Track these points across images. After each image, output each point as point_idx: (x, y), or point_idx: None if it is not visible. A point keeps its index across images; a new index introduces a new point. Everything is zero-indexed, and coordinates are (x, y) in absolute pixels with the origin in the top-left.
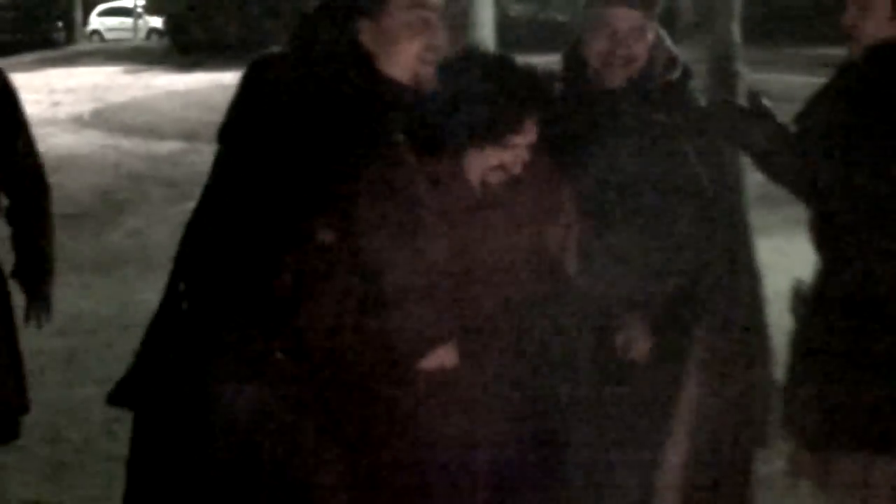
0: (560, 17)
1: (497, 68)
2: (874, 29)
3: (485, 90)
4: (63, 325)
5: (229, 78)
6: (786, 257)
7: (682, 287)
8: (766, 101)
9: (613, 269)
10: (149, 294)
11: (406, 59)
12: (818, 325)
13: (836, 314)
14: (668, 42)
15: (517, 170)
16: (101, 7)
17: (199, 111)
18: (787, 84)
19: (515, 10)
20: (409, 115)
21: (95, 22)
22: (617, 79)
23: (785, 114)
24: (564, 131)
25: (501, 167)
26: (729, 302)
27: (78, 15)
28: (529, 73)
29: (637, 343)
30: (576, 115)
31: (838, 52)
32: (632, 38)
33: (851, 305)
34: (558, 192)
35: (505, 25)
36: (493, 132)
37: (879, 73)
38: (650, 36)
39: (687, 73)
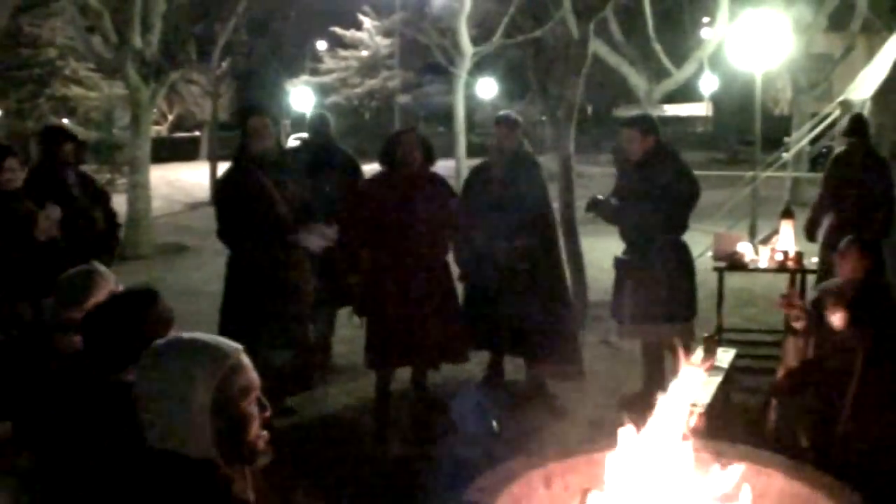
0: None
1: None
2: (638, 149)
3: None
4: None
5: None
6: (595, 246)
7: (531, 244)
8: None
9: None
10: None
11: None
12: (623, 271)
13: (632, 266)
14: (526, 143)
15: None
16: (292, 136)
17: None
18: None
19: None
20: None
21: (291, 142)
22: (503, 157)
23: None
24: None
25: None
26: (557, 260)
27: (283, 139)
28: None
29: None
30: (488, 170)
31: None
32: (508, 140)
33: (637, 260)
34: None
35: None
36: None
37: (645, 166)
38: (518, 138)
39: (529, 158)
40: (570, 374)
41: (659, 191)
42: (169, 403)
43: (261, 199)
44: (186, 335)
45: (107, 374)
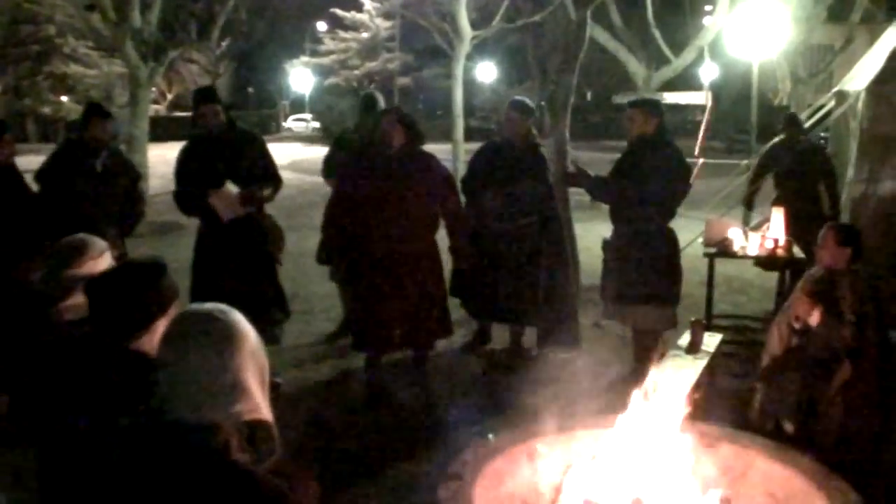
0: None
1: None
2: (637, 130)
3: None
4: None
5: None
6: (588, 232)
7: (533, 222)
8: (580, 165)
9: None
10: None
11: None
12: (610, 254)
13: (619, 249)
14: (535, 131)
15: None
16: (291, 117)
17: None
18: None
19: None
20: None
21: (290, 123)
22: (517, 142)
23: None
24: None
25: None
26: (558, 237)
27: (281, 120)
28: None
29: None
30: (499, 154)
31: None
32: (518, 126)
33: (625, 244)
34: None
35: None
36: None
37: (639, 148)
38: (526, 126)
39: (537, 145)
40: (565, 341)
41: (645, 171)
42: (195, 373)
43: (199, 170)
44: (211, 306)
45: (113, 341)
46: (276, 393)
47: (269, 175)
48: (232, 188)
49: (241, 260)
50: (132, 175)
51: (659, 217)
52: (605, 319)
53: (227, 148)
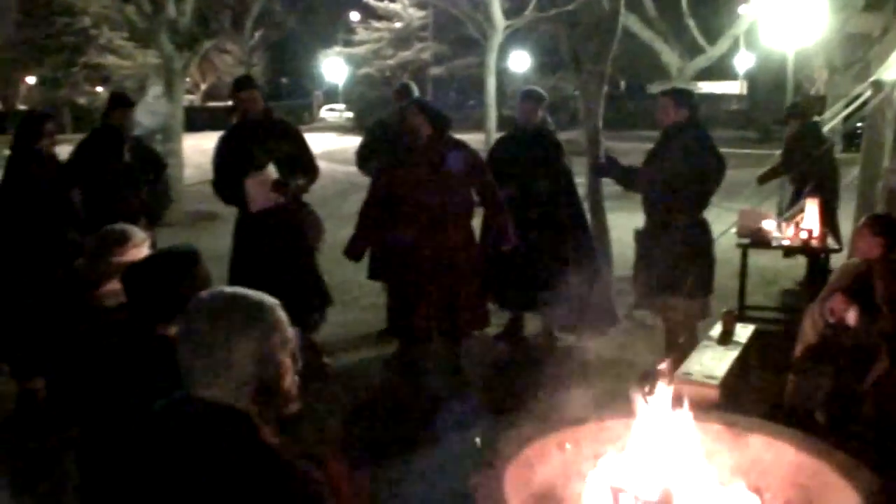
0: None
1: None
2: (668, 119)
3: None
4: None
5: None
6: (620, 222)
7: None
8: (611, 154)
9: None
10: None
11: None
12: (642, 244)
13: (651, 240)
14: (549, 119)
15: None
16: (324, 107)
17: None
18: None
19: None
20: None
21: (323, 113)
22: (529, 126)
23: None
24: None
25: None
26: (579, 222)
27: (314, 111)
28: None
29: None
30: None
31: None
32: (532, 115)
33: (656, 234)
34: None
35: None
36: None
37: (670, 137)
38: (540, 114)
39: (552, 137)
40: (600, 321)
41: (676, 160)
42: (214, 354)
43: (237, 157)
44: (229, 289)
45: (149, 327)
46: (324, 373)
47: (305, 165)
48: (272, 173)
49: (279, 250)
50: (158, 164)
51: (690, 207)
52: (636, 310)
53: (264, 135)
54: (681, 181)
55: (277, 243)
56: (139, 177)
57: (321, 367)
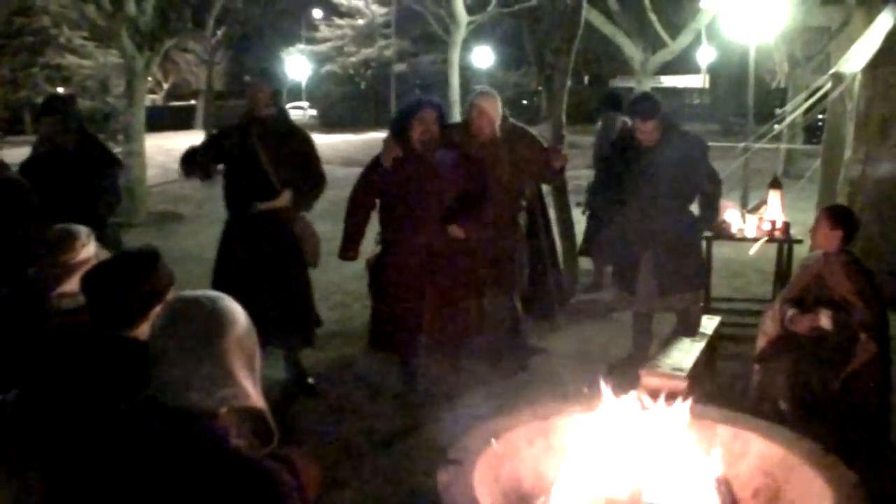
0: None
1: None
2: (655, 137)
3: None
4: None
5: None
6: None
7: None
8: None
9: None
10: None
11: None
12: (653, 250)
13: (663, 245)
14: (512, 119)
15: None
16: (288, 105)
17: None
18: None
19: None
20: None
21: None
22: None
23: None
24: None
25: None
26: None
27: None
28: None
29: None
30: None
31: None
32: (494, 113)
33: (645, 235)
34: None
35: None
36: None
37: (662, 146)
38: (500, 113)
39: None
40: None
41: (686, 162)
42: (187, 360)
43: (242, 157)
44: (200, 293)
45: (110, 330)
46: (313, 393)
47: (311, 173)
48: (287, 199)
49: (268, 256)
50: (107, 161)
51: (690, 202)
52: (642, 309)
53: (270, 135)
54: (692, 182)
55: (267, 250)
56: (88, 175)
57: (307, 387)
